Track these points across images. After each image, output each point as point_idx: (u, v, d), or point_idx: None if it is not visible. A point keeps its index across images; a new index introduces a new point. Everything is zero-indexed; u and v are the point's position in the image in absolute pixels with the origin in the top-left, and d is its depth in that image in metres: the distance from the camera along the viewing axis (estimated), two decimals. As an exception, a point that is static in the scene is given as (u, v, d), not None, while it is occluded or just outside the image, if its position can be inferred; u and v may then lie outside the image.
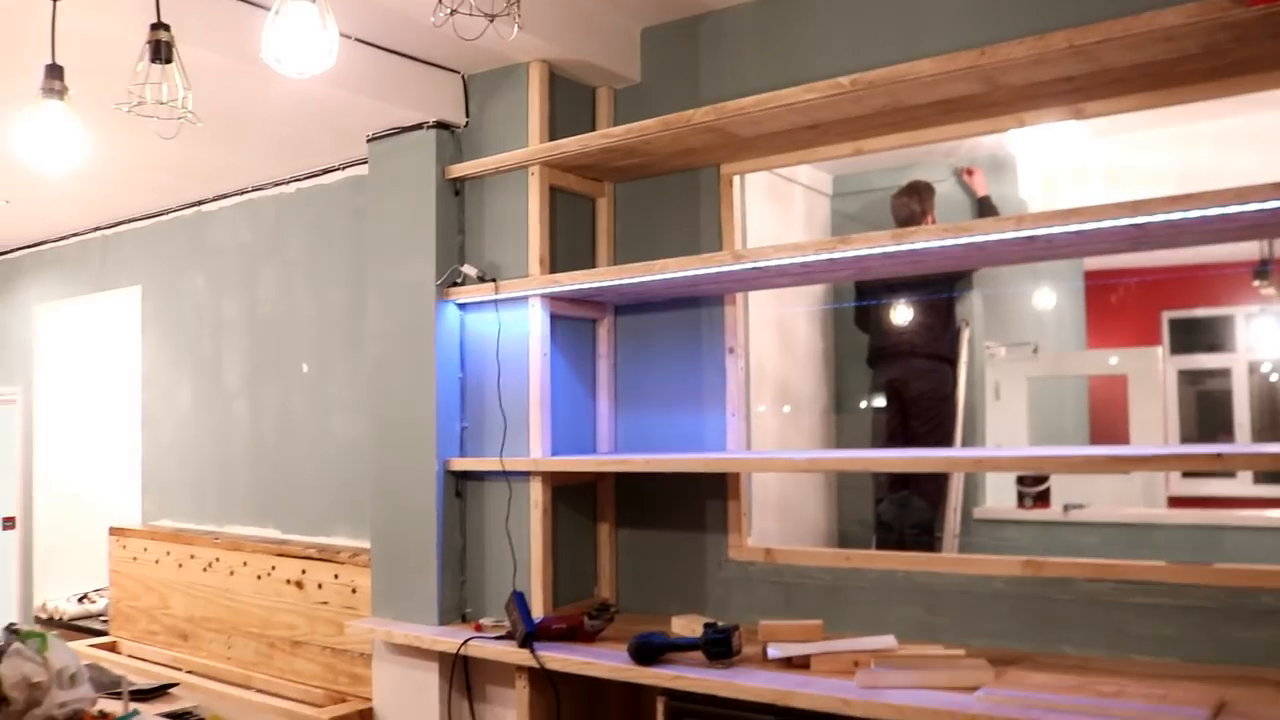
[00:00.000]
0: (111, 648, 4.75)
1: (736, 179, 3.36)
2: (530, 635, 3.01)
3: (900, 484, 4.71)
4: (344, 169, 4.10)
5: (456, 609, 3.44)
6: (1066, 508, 4.86)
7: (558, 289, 3.22)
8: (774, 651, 2.67)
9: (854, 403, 5.24)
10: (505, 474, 3.31)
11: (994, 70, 2.51)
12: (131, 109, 2.17)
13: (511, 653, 3.03)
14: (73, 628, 5.24)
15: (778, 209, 4.70)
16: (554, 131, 3.38)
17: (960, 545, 4.93)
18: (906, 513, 4.85)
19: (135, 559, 4.75)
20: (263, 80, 2.78)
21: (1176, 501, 5.98)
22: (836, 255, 2.65)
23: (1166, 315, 8.02)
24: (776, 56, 3.26)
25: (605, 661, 2.83)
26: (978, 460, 3.01)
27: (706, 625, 2.75)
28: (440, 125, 3.47)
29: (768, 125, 2.96)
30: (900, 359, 4.93)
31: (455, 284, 3.44)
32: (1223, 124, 4.14)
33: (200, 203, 4.73)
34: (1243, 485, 6.40)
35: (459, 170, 3.47)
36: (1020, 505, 5.11)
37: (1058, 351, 6.70)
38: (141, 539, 4.74)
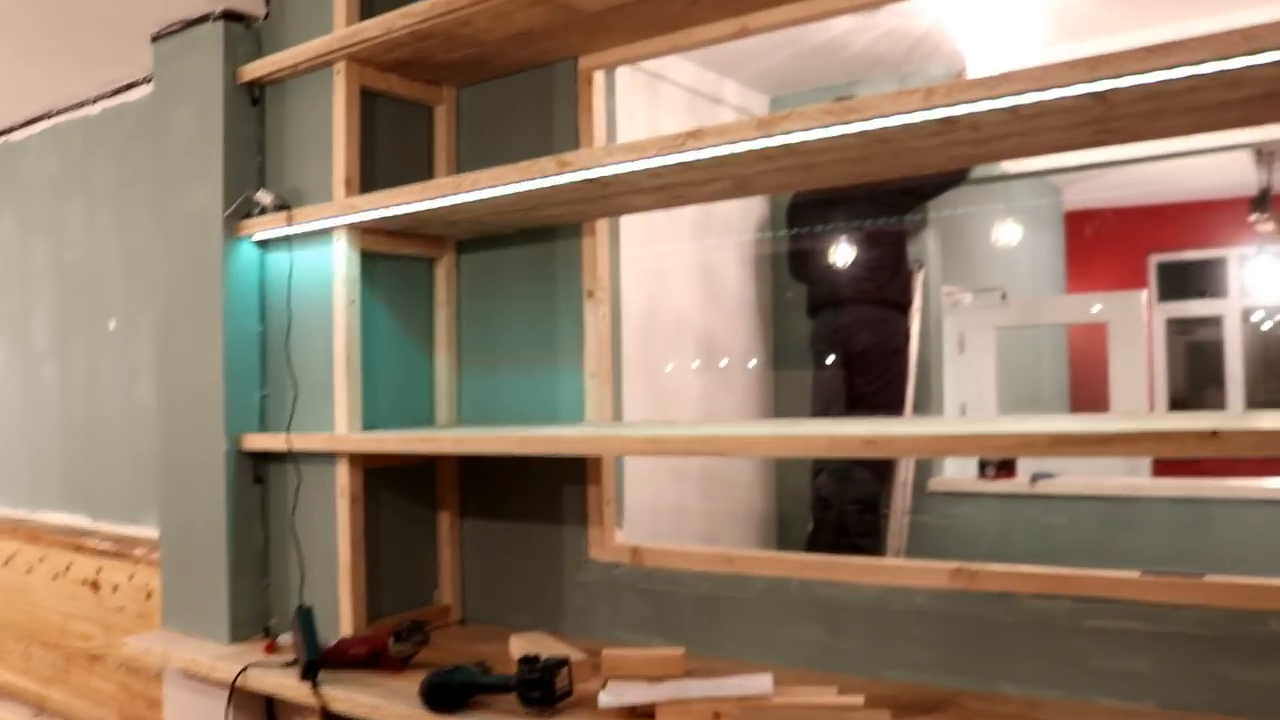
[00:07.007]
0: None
1: (599, 75, 2.63)
2: (314, 664, 2.30)
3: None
4: (149, 82, 3.35)
5: (257, 621, 2.74)
6: (1034, 478, 4.15)
7: (361, 216, 2.49)
8: (607, 698, 1.97)
9: (795, 359, 4.54)
10: (293, 455, 2.59)
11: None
12: None
13: (291, 686, 2.33)
14: None
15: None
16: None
17: (910, 524, 4.25)
18: (848, 486, 4.17)
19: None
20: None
21: (1162, 467, 5.30)
22: (689, 156, 1.93)
23: (1154, 259, 7.30)
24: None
25: (397, 706, 2.14)
26: (870, 441, 2.07)
27: (522, 661, 2.05)
28: (229, 15, 2.72)
29: (615, -8, 2.22)
30: (845, 306, 4.24)
31: (249, 215, 2.71)
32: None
33: (8, 130, 3.97)
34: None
35: (253, 71, 2.72)
36: (981, 475, 4.41)
37: (1032, 297, 6.00)
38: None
